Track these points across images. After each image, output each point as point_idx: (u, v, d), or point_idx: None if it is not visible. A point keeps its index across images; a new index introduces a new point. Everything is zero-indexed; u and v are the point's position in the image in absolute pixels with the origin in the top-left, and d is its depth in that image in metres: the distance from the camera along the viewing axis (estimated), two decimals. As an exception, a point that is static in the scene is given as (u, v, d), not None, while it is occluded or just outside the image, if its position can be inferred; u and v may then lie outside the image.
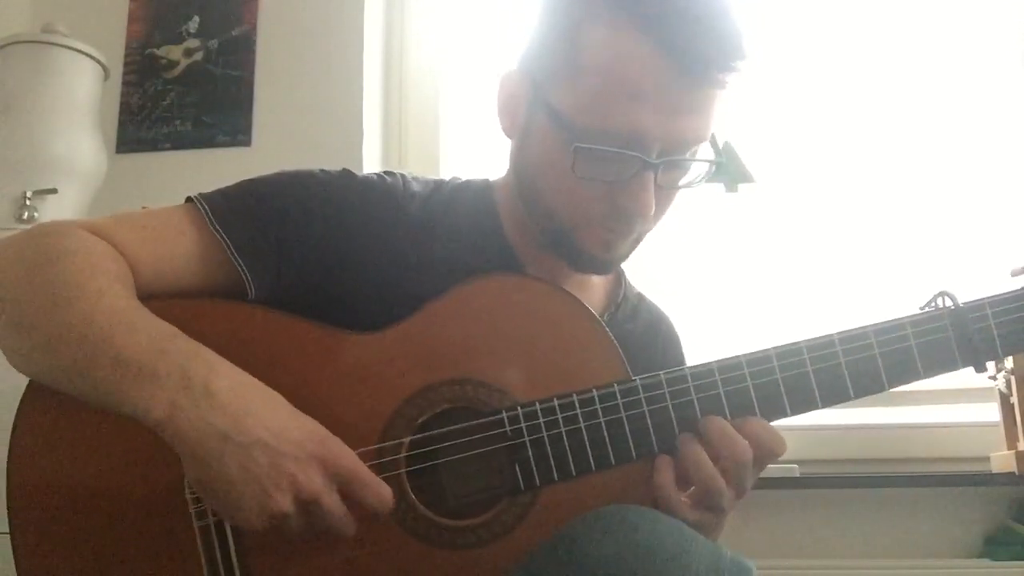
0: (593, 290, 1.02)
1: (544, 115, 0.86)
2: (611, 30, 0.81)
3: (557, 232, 0.90)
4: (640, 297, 1.07)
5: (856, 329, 0.85)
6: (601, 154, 0.82)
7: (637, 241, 0.92)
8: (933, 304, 0.86)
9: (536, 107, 0.87)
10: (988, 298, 0.85)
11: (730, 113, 0.87)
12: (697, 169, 0.88)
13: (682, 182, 0.88)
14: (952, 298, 0.85)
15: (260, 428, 0.71)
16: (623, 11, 0.80)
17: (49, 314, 0.75)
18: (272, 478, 0.70)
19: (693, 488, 0.81)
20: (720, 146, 0.88)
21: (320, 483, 0.72)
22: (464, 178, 1.01)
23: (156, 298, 0.82)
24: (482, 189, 0.99)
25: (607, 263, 0.92)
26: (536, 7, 0.90)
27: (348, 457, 0.74)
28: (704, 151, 0.87)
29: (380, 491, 0.75)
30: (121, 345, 0.73)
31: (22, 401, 0.81)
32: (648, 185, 0.83)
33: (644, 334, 1.02)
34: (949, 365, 0.85)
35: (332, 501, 0.73)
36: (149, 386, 0.71)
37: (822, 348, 0.84)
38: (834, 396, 0.84)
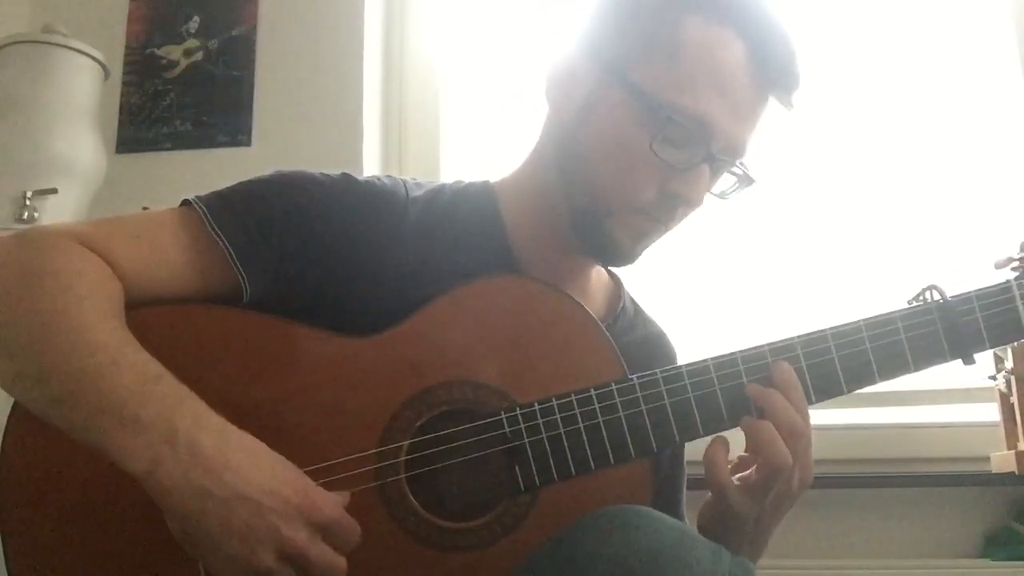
0: (593, 296, 1.02)
1: (621, 91, 0.87)
2: (710, 24, 0.85)
3: (593, 214, 0.90)
4: (637, 308, 1.08)
5: (848, 324, 0.86)
6: (678, 135, 0.85)
7: (654, 241, 0.94)
8: (922, 298, 0.87)
9: (608, 84, 0.88)
10: (975, 291, 0.87)
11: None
12: (725, 183, 0.93)
13: (715, 189, 0.93)
14: (940, 292, 0.86)
15: (242, 483, 0.69)
16: (725, 9, 0.85)
17: (35, 343, 0.73)
18: (255, 534, 0.68)
19: (750, 472, 0.83)
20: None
21: (304, 536, 0.70)
22: (466, 181, 1.00)
23: (148, 305, 0.82)
24: (483, 192, 0.98)
25: (630, 254, 0.93)
26: None
27: (331, 505, 0.73)
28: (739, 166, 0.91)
29: (354, 537, 0.74)
30: (105, 387, 0.70)
31: (14, 404, 0.79)
32: (705, 176, 0.88)
33: (641, 347, 1.02)
34: (939, 358, 0.86)
35: (318, 552, 0.71)
36: (131, 435, 0.69)
37: (816, 343, 0.85)
38: (828, 391, 0.85)
